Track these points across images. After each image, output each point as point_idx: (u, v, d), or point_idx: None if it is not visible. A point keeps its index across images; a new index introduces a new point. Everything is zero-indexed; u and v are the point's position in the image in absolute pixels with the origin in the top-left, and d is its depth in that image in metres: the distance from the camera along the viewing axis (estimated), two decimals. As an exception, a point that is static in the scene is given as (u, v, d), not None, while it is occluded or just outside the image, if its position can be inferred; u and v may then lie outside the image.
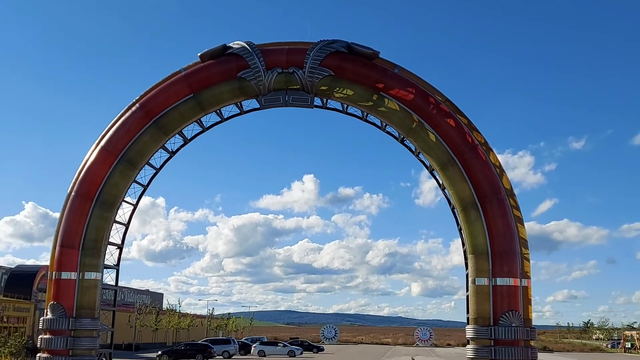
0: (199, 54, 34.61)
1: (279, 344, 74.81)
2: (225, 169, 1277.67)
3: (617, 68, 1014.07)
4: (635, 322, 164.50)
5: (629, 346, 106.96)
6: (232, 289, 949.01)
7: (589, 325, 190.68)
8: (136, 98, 35.02)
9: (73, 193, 34.24)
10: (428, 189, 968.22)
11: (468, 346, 32.04)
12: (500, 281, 31.32)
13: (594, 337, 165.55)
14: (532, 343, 31.71)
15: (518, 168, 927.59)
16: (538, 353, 32.86)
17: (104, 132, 35.21)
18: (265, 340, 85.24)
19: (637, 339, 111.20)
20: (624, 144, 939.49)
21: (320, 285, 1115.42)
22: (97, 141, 35.13)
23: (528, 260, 32.57)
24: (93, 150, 34.89)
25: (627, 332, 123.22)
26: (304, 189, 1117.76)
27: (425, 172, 36.44)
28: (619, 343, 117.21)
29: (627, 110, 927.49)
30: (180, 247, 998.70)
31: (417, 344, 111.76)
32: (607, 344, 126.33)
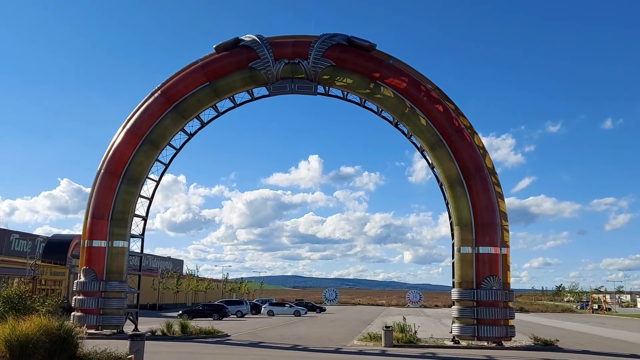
0: (214, 46, 34.43)
1: (286, 305, 75.06)
2: (239, 150, 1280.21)
3: (589, 59, 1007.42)
4: (602, 287, 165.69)
5: (596, 307, 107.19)
6: (245, 256, 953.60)
7: (561, 289, 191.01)
8: (158, 85, 34.91)
9: (102, 170, 34.26)
10: (420, 168, 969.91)
11: (453, 307, 32.18)
12: (482, 249, 31.38)
13: (565, 300, 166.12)
14: (510, 304, 31.83)
15: (501, 149, 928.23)
16: (515, 313, 32.99)
17: (129, 116, 35.14)
18: (274, 301, 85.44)
19: (604, 301, 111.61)
20: (595, 128, 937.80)
21: (323, 253, 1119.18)
22: (123, 124, 35.07)
23: (507, 231, 32.57)
24: (120, 132, 34.85)
25: (595, 295, 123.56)
26: (309, 168, 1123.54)
27: (418, 152, 36.31)
28: (587, 305, 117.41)
29: (598, 98, 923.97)
30: (199, 219, 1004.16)
31: (408, 305, 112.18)
32: (577, 306, 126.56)
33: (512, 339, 31.64)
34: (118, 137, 34.79)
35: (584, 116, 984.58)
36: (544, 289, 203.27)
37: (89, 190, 35.00)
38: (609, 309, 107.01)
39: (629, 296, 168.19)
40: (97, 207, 33.79)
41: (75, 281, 33.94)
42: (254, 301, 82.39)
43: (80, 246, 34.68)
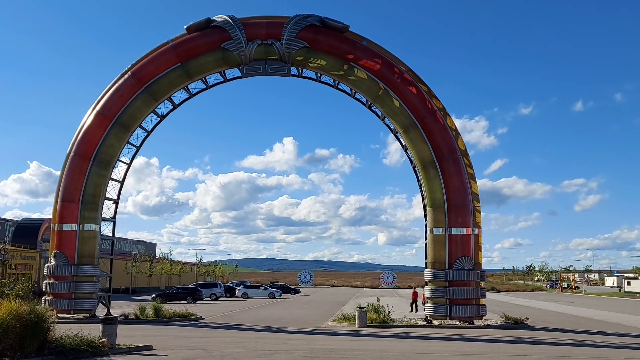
0: (185, 27, 33.94)
1: (260, 287, 75.10)
2: (213, 132, 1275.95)
3: (561, 41, 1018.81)
4: (571, 266, 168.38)
5: (565, 286, 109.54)
6: (219, 239, 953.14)
7: (531, 268, 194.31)
8: (128, 66, 34.36)
9: (72, 153, 33.76)
10: (394, 150, 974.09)
11: (426, 287, 32.59)
12: (455, 230, 31.76)
13: (535, 279, 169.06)
14: (482, 284, 32.37)
15: (474, 131, 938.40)
16: (486, 293, 33.57)
17: (99, 97, 34.60)
18: (249, 284, 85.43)
19: (572, 280, 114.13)
20: (566, 110, 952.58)
21: (298, 235, 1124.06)
22: (93, 106, 34.54)
23: (479, 212, 32.99)
24: (89, 114, 34.32)
25: (564, 274, 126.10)
26: (284, 150, 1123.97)
27: (392, 135, 36.41)
28: (556, 283, 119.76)
29: (570, 80, 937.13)
30: (172, 202, 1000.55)
31: (382, 286, 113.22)
32: (547, 285, 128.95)
33: (484, 317, 32.26)
34: (88, 119, 34.25)
35: (555, 98, 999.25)
36: (515, 268, 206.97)
37: (59, 173, 34.52)
38: (578, 288, 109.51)
39: (597, 275, 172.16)
40: (67, 190, 33.32)
41: (46, 265, 33.55)
42: (228, 284, 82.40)
43: (50, 230, 34.25)
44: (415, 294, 42.80)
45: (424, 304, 42.34)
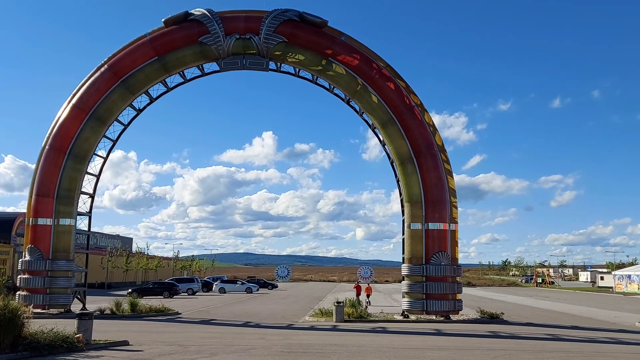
0: (162, 20, 33.68)
1: (237, 282, 74.96)
2: (192, 126, 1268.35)
3: (540, 38, 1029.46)
4: (546, 261, 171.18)
5: (540, 281, 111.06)
6: (197, 234, 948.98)
7: (507, 263, 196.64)
8: (105, 60, 34.01)
9: (47, 147, 33.37)
10: (373, 145, 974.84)
11: (403, 282, 32.81)
12: (432, 226, 32.03)
13: (511, 274, 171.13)
14: (458, 279, 32.68)
15: (454, 127, 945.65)
16: (463, 287, 33.92)
17: (75, 90, 34.20)
18: (226, 278, 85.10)
19: (547, 275, 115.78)
20: (544, 107, 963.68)
21: (276, 230, 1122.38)
22: (68, 99, 34.13)
23: (456, 207, 33.30)
24: (65, 107, 33.93)
25: (539, 269, 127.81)
26: (263, 145, 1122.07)
27: (371, 130, 36.51)
28: (531, 278, 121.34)
29: (548, 77, 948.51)
30: (150, 196, 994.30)
31: (360, 281, 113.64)
32: (522, 280, 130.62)
33: (460, 312, 32.60)
34: (63, 112, 33.84)
35: (533, 95, 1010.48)
36: (491, 263, 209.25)
37: (33, 167, 34.11)
38: (552, 283, 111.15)
39: (571, 270, 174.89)
40: (42, 184, 32.93)
41: (20, 260, 33.18)
42: (205, 279, 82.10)
43: (25, 224, 33.85)
44: (358, 288, 43.13)
45: (368, 297, 42.83)
